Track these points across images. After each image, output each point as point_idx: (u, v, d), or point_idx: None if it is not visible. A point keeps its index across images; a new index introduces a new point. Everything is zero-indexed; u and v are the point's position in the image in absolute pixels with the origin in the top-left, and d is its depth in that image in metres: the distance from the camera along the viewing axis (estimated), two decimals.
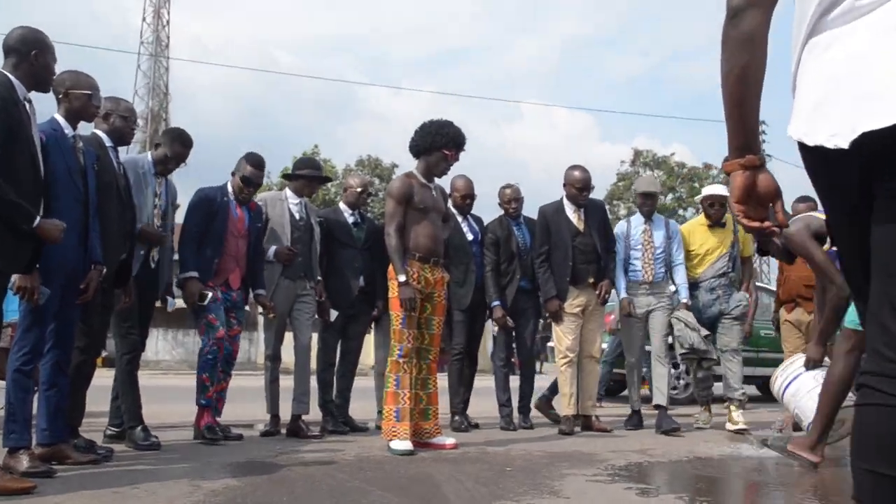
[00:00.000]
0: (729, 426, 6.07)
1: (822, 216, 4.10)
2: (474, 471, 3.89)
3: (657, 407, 6.07)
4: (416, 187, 4.84)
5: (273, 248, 5.45)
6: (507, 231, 6.23)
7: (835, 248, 4.42)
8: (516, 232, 6.27)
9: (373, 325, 6.22)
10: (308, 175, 5.69)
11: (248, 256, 5.29)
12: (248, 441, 5.10)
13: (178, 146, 4.81)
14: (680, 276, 6.34)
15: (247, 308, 5.52)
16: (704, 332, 6.10)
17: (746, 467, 4.35)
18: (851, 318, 4.05)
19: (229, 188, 5.25)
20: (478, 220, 6.38)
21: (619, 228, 6.51)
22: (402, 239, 4.75)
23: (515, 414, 6.22)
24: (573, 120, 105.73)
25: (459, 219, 6.16)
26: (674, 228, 6.43)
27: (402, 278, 4.66)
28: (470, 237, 6.15)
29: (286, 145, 75.25)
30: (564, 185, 6.13)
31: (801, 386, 4.58)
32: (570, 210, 6.10)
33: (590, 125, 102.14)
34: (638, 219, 6.43)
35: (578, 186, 6.03)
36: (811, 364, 4.60)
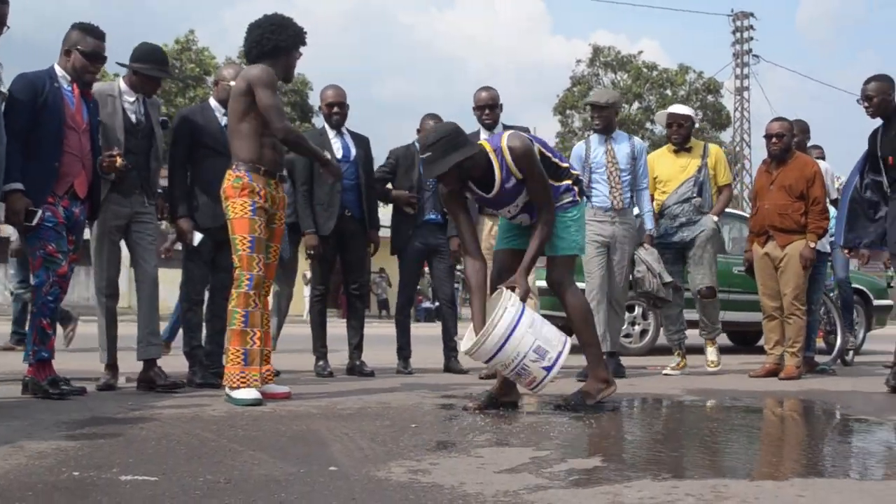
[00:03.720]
0: (708, 368, 6.97)
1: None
2: (373, 428, 3.97)
3: (609, 354, 6.53)
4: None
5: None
6: (411, 161, 6.92)
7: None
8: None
9: None
10: (146, 73, 5.42)
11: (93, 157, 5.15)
12: (93, 396, 5.10)
13: None
14: (645, 201, 6.83)
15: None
16: (668, 278, 6.60)
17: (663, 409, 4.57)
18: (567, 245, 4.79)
19: (58, 71, 5.04)
20: (359, 137, 6.81)
21: (576, 151, 6.90)
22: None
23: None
24: (519, 6, 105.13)
25: (331, 134, 6.67)
26: (639, 147, 6.87)
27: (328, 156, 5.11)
28: (339, 154, 6.55)
29: (154, 30, 72.91)
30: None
31: (534, 317, 4.62)
32: (484, 135, 6.54)
33: (540, 14, 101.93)
34: (597, 138, 6.76)
35: (479, 106, 6.73)
36: (525, 294, 4.80)
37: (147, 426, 3.94)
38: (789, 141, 7.00)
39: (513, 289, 4.57)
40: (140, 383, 5.43)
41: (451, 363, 7.08)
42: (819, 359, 7.74)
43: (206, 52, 34.35)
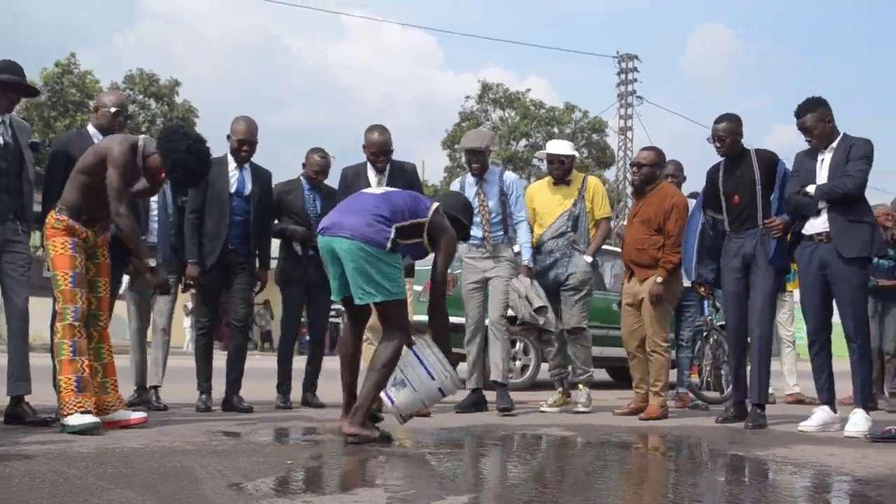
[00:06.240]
0: (573, 409, 6.78)
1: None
2: (247, 465, 3.92)
3: (495, 384, 6.62)
4: (133, 165, 5.02)
5: None
6: (297, 195, 6.88)
7: None
8: (307, 195, 6.91)
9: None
10: (4, 80, 5.25)
11: None
12: None
13: None
14: (522, 234, 6.80)
15: None
16: (539, 302, 6.53)
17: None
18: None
19: None
20: (260, 173, 6.64)
21: (452, 188, 6.88)
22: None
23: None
24: (409, 40, 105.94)
25: (231, 165, 6.47)
26: (509, 182, 6.83)
27: (153, 263, 5.23)
28: (233, 188, 6.42)
29: (31, 51, 69.92)
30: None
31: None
32: (371, 172, 6.55)
33: (431, 49, 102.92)
34: (472, 179, 6.83)
35: (373, 151, 6.51)
36: None
37: (11, 463, 3.81)
38: (650, 172, 6.85)
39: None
40: (7, 418, 5.24)
41: (309, 398, 6.94)
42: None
43: (90, 77, 33.54)
